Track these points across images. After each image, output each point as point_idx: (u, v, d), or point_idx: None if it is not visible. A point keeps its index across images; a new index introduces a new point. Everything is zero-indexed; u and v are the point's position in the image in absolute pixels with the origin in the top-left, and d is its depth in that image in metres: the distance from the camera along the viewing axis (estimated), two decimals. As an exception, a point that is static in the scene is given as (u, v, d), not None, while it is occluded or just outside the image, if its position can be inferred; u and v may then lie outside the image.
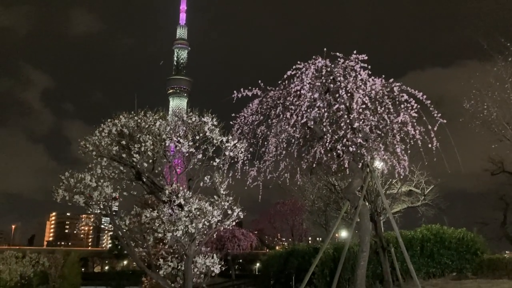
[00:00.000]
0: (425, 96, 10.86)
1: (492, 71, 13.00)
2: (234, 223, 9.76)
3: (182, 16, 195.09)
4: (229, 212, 9.38)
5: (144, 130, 9.34)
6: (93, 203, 8.87)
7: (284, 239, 56.54)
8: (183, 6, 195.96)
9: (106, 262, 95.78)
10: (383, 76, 11.02)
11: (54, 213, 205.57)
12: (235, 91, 11.61)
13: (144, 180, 9.94)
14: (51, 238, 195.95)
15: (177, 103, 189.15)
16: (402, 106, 10.80)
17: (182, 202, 8.76)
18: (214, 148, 10.01)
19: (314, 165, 12.68)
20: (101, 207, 8.98)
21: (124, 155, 9.29)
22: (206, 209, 8.79)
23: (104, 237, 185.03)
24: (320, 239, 36.41)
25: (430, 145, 10.28)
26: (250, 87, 11.76)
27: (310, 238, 45.19)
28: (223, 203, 9.27)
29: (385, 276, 15.67)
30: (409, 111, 10.76)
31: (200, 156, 9.86)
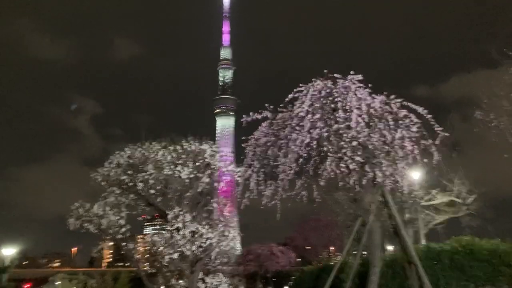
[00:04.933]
0: (426, 111, 11.04)
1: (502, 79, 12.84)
2: (231, 244, 10.22)
3: (226, 37, 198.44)
4: (226, 234, 9.86)
5: (149, 160, 10.10)
6: (103, 229, 9.67)
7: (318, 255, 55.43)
8: (225, 28, 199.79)
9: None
10: (385, 92, 11.32)
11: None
12: (243, 116, 12.34)
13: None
14: (110, 259, 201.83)
15: (224, 123, 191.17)
16: (401, 122, 10.99)
17: (180, 226, 9.36)
18: (217, 173, 10.64)
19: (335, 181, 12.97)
20: (111, 232, 9.77)
21: (131, 184, 10.07)
22: (201, 231, 9.32)
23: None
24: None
25: (425, 160, 10.38)
26: (260, 110, 12.44)
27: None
28: (219, 225, 9.78)
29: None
30: (410, 126, 10.94)
31: (207, 180, 10.49)
